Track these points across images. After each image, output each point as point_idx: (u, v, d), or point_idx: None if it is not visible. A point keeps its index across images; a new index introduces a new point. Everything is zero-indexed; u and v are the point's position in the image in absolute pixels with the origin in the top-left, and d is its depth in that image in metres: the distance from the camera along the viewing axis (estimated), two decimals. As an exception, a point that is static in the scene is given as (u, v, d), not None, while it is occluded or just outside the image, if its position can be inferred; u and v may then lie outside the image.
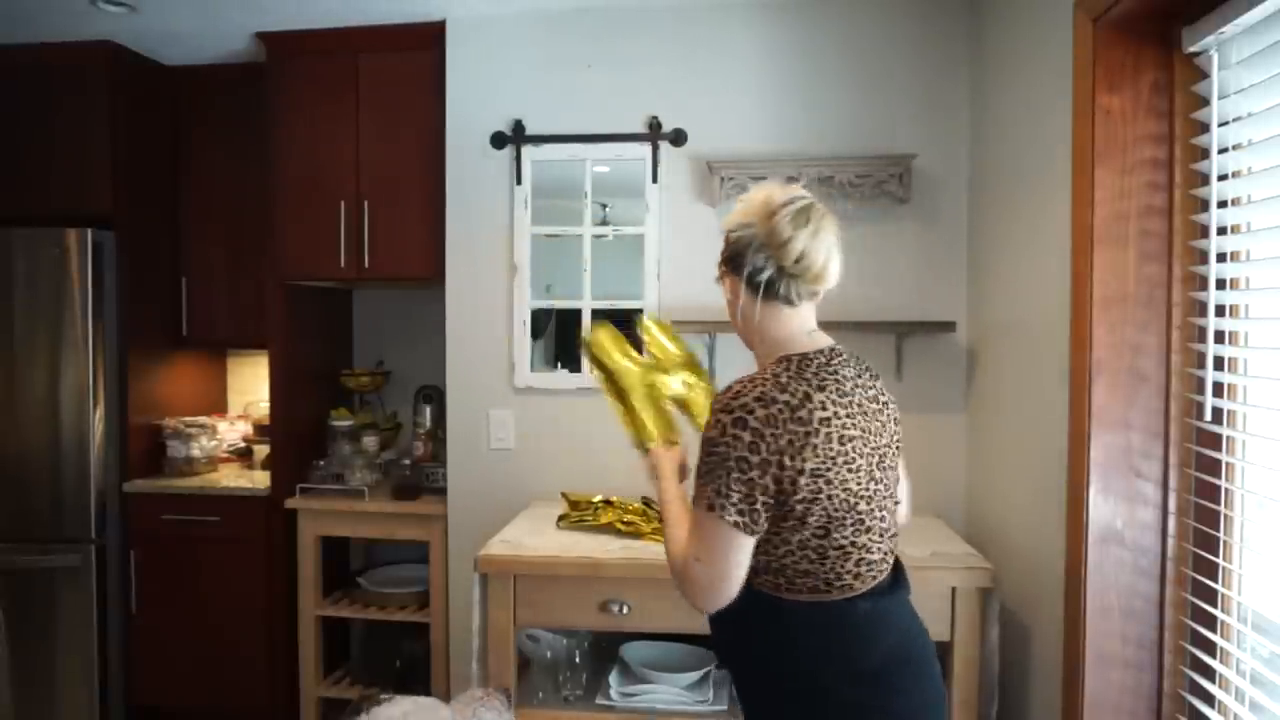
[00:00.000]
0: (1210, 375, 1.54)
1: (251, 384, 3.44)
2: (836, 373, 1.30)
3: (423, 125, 2.77)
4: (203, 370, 3.39)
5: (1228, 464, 1.51)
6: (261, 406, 3.21)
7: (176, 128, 3.14)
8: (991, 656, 1.99)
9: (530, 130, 2.68)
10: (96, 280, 2.85)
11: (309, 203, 2.84)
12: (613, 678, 2.25)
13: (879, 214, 2.50)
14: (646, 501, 2.40)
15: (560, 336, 2.76)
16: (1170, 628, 1.63)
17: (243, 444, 3.31)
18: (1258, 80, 1.42)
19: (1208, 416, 1.55)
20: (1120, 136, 1.63)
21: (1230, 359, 1.52)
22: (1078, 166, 1.71)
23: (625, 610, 2.07)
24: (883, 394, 1.38)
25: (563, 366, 2.74)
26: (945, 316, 2.51)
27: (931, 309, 2.52)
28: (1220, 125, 1.50)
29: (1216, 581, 1.52)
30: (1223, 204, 1.51)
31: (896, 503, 1.39)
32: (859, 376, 1.34)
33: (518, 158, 2.69)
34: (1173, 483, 1.63)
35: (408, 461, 2.92)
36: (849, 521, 1.26)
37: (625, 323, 2.69)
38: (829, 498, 1.24)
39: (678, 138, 2.63)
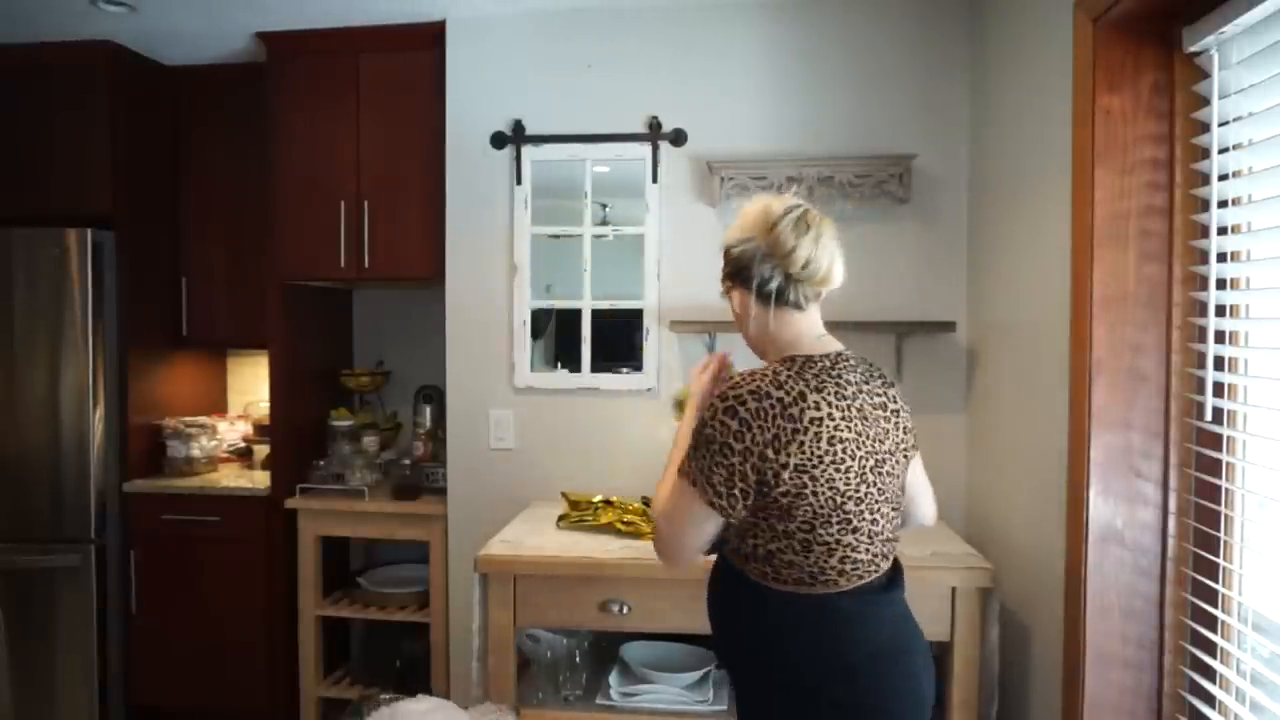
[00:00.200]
0: (1210, 375, 1.53)
1: (251, 384, 3.44)
2: (839, 376, 1.34)
3: (423, 125, 2.77)
4: (203, 370, 3.39)
5: (1228, 464, 1.51)
6: (261, 406, 3.21)
7: (176, 128, 3.14)
8: (991, 656, 1.99)
9: (530, 130, 2.68)
10: (96, 280, 2.85)
11: (309, 203, 2.84)
12: (613, 678, 2.25)
13: (879, 214, 2.50)
14: (646, 501, 2.40)
15: (560, 336, 2.76)
16: (1170, 628, 1.63)
17: (243, 444, 3.31)
18: (1258, 80, 1.42)
19: (1208, 416, 1.55)
20: (1120, 136, 1.62)
21: (1230, 359, 1.52)
22: (1078, 166, 1.71)
23: (625, 610, 2.07)
24: (894, 401, 1.42)
25: (563, 366, 2.73)
26: (945, 316, 2.51)
27: (931, 309, 2.52)
28: (1220, 125, 1.50)
29: (1217, 581, 1.52)
30: (1223, 204, 1.51)
31: (895, 509, 1.39)
32: (867, 382, 1.38)
33: (518, 158, 2.69)
34: (1173, 483, 1.63)
35: (408, 461, 2.92)
36: (835, 520, 1.29)
37: (625, 323, 2.72)
38: (814, 494, 1.27)
39: (678, 138, 2.63)
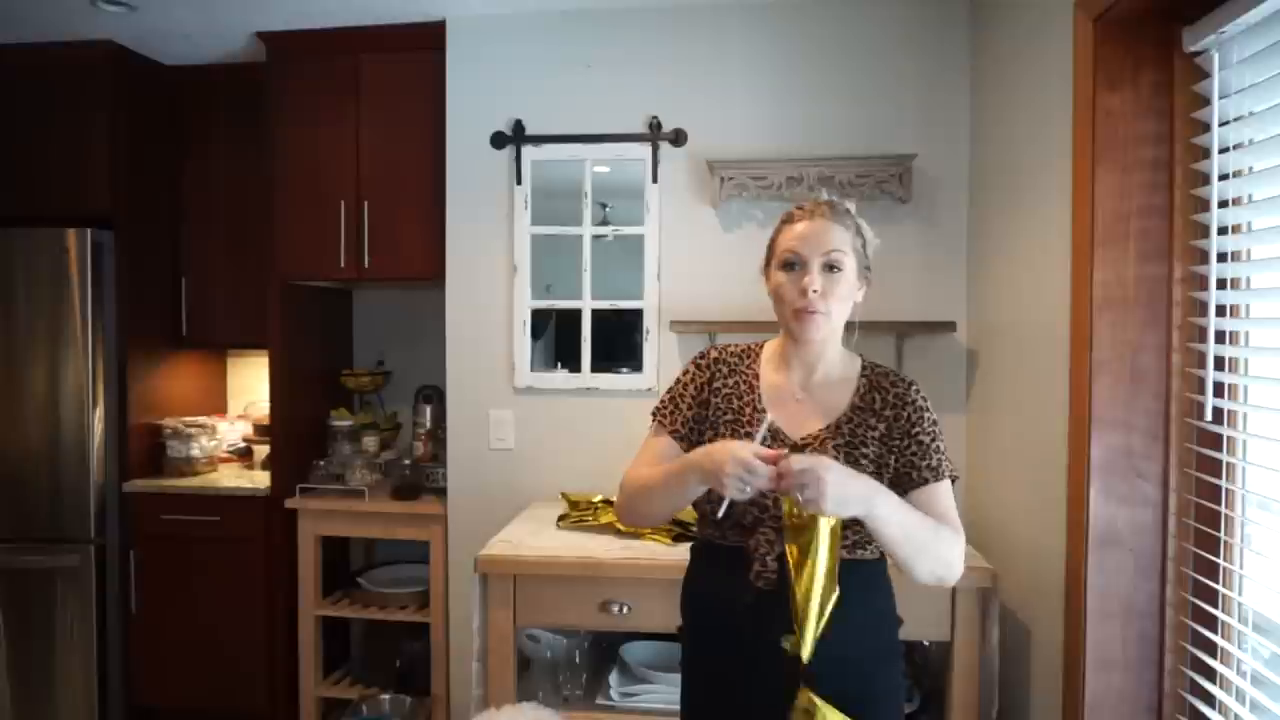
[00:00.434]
0: (1210, 375, 1.53)
1: (251, 384, 3.44)
2: None
3: (423, 125, 2.77)
4: (203, 370, 3.39)
5: (1228, 464, 1.51)
6: (261, 406, 3.21)
7: (176, 128, 3.14)
8: (991, 656, 1.99)
9: (530, 130, 2.68)
10: (96, 280, 2.85)
11: (309, 203, 2.84)
12: (613, 678, 2.25)
13: (879, 214, 2.50)
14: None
15: (560, 337, 2.76)
16: (1171, 628, 1.63)
17: (243, 444, 3.31)
18: (1258, 80, 1.42)
19: (1208, 416, 1.54)
20: (1120, 136, 1.62)
21: (1231, 359, 1.52)
22: (1078, 166, 1.71)
23: (625, 610, 2.06)
24: None
25: (563, 366, 2.73)
26: (945, 316, 2.51)
27: (931, 309, 2.51)
28: (1221, 125, 1.50)
29: (1217, 582, 1.52)
30: (1223, 204, 1.51)
31: None
32: None
33: (518, 158, 2.69)
34: (1173, 483, 1.63)
35: (408, 461, 2.92)
36: None
37: (625, 323, 2.72)
38: None
39: (678, 138, 2.63)
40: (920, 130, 2.52)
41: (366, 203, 2.81)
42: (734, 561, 1.36)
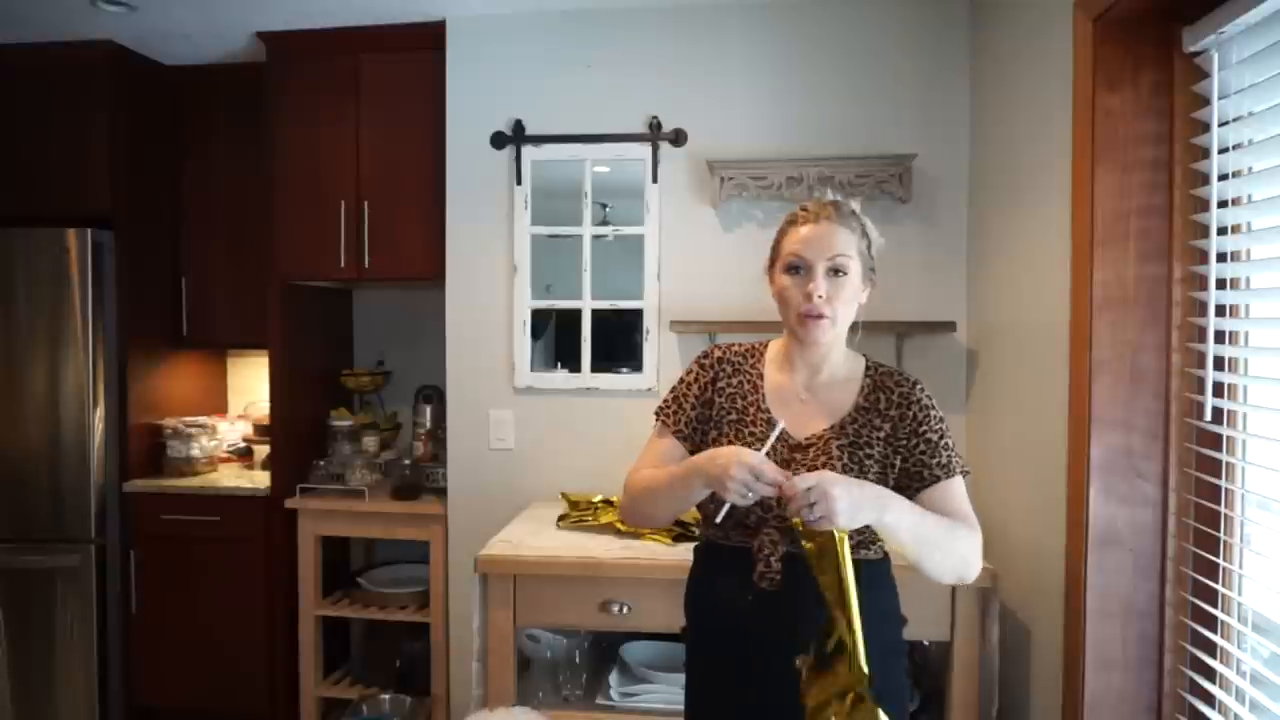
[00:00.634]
0: (1210, 375, 1.53)
1: (251, 384, 3.44)
2: None
3: (423, 125, 2.77)
4: (203, 370, 3.39)
5: (1228, 464, 1.51)
6: (261, 406, 3.21)
7: (176, 128, 3.14)
8: (991, 656, 1.99)
9: (530, 130, 2.68)
10: (96, 280, 2.85)
11: (309, 203, 2.84)
12: (613, 678, 2.25)
13: (879, 214, 2.48)
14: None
15: (560, 337, 2.76)
16: (1170, 628, 1.63)
17: (243, 444, 3.31)
18: (1258, 80, 1.42)
19: (1208, 416, 1.55)
20: (1120, 136, 1.62)
21: (1230, 359, 1.52)
22: (1077, 166, 1.71)
23: (625, 610, 2.06)
24: None
25: (563, 367, 2.73)
26: (945, 316, 2.51)
27: (931, 309, 2.51)
28: (1220, 125, 1.50)
29: (1217, 582, 1.52)
30: (1223, 204, 1.51)
31: None
32: None
33: (518, 158, 2.69)
34: (1173, 483, 1.63)
35: (408, 461, 2.92)
36: None
37: (625, 323, 2.72)
38: None
39: (678, 138, 2.63)
40: (920, 130, 2.52)
41: (366, 203, 2.81)
42: (738, 562, 1.36)
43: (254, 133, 2.97)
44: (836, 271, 1.36)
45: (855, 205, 1.44)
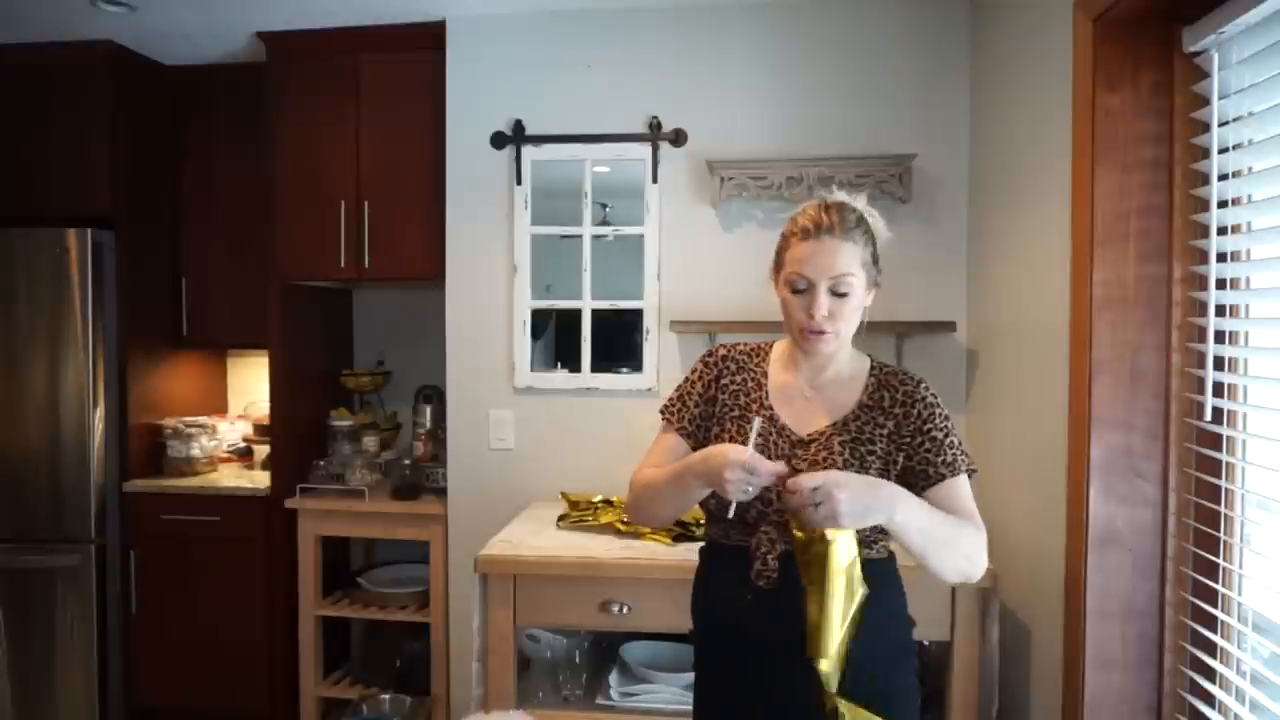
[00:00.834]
0: (1210, 375, 1.53)
1: (251, 384, 3.44)
2: None
3: (423, 125, 2.77)
4: (203, 370, 3.39)
5: (1228, 464, 1.51)
6: (261, 406, 3.21)
7: (176, 128, 3.14)
8: (991, 656, 1.99)
9: (530, 130, 2.68)
10: (96, 280, 2.85)
11: (309, 203, 2.84)
12: (613, 678, 2.25)
13: (879, 214, 2.50)
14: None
15: (560, 337, 2.76)
16: (1170, 628, 1.63)
17: (243, 444, 3.31)
18: (1258, 80, 1.42)
19: (1208, 416, 1.54)
20: (1120, 136, 1.62)
21: (1230, 359, 1.52)
22: (1077, 166, 1.71)
23: (625, 610, 2.06)
24: None
25: (563, 366, 2.73)
26: (945, 316, 2.51)
27: (931, 309, 2.51)
28: (1220, 125, 1.50)
29: (1217, 582, 1.52)
30: (1223, 204, 1.51)
31: None
32: None
33: (518, 158, 2.69)
34: (1173, 483, 1.63)
35: (408, 461, 2.92)
36: None
37: (625, 323, 2.72)
38: None
39: (678, 138, 2.63)
40: (920, 130, 2.52)
41: (366, 203, 2.81)
42: (737, 560, 1.36)
43: (254, 133, 2.97)
44: (839, 291, 1.35)
45: (860, 202, 1.42)
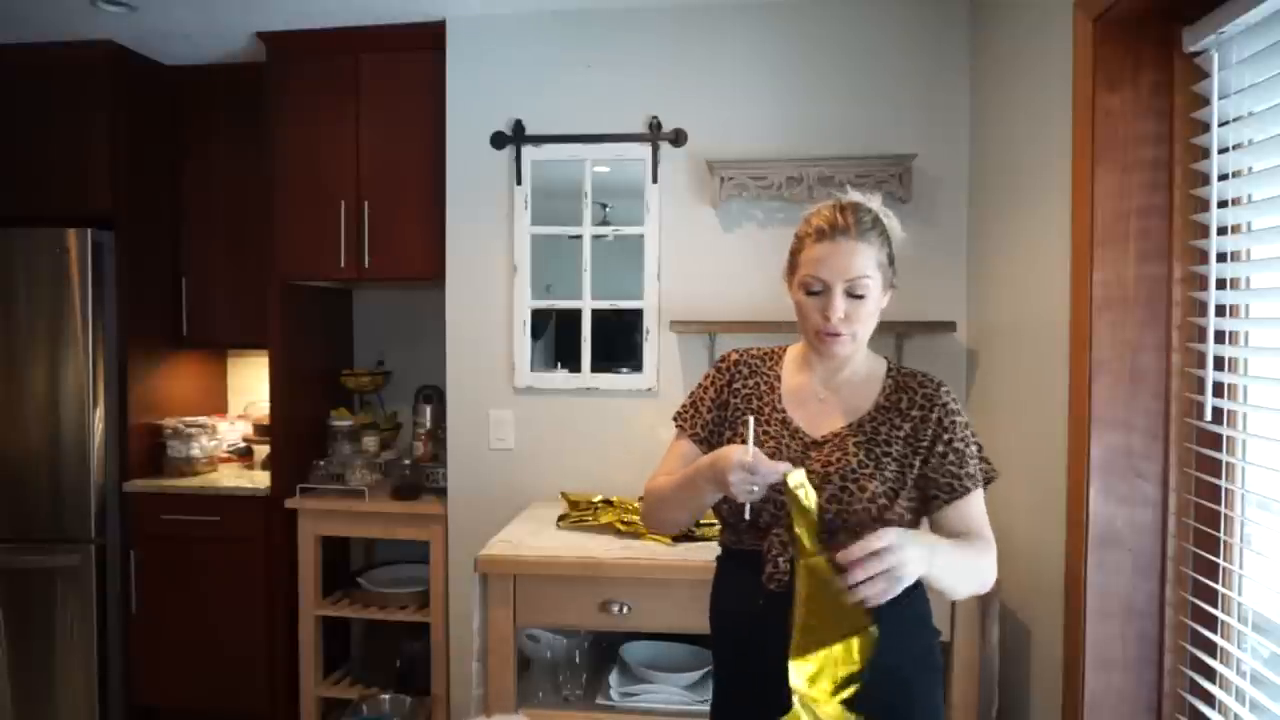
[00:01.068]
0: (1210, 375, 1.53)
1: (251, 384, 3.44)
2: None
3: (423, 125, 2.77)
4: (203, 370, 3.39)
5: (1228, 464, 1.51)
6: (261, 406, 3.21)
7: (176, 128, 3.14)
8: (991, 656, 1.99)
9: (530, 130, 2.68)
10: (96, 280, 2.85)
11: (309, 203, 2.84)
12: (613, 678, 2.25)
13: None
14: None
15: (560, 337, 2.76)
16: (1170, 628, 1.63)
17: (243, 444, 3.31)
18: (1258, 80, 1.42)
19: (1208, 416, 1.55)
20: (1120, 136, 1.62)
21: (1230, 359, 1.52)
22: (1077, 166, 1.71)
23: (625, 610, 2.07)
24: None
25: (563, 367, 2.73)
26: (945, 316, 2.51)
27: (931, 309, 2.51)
28: (1220, 125, 1.50)
29: (1217, 582, 1.52)
30: (1223, 204, 1.51)
31: None
32: None
33: (518, 158, 2.69)
34: (1173, 483, 1.63)
35: (408, 461, 2.92)
36: None
37: (625, 323, 2.72)
38: None
39: (678, 138, 2.63)
40: (920, 130, 2.52)
41: (366, 203, 2.81)
42: (750, 565, 1.36)
43: (254, 133, 2.97)
44: (855, 293, 1.33)
45: (876, 203, 1.39)
